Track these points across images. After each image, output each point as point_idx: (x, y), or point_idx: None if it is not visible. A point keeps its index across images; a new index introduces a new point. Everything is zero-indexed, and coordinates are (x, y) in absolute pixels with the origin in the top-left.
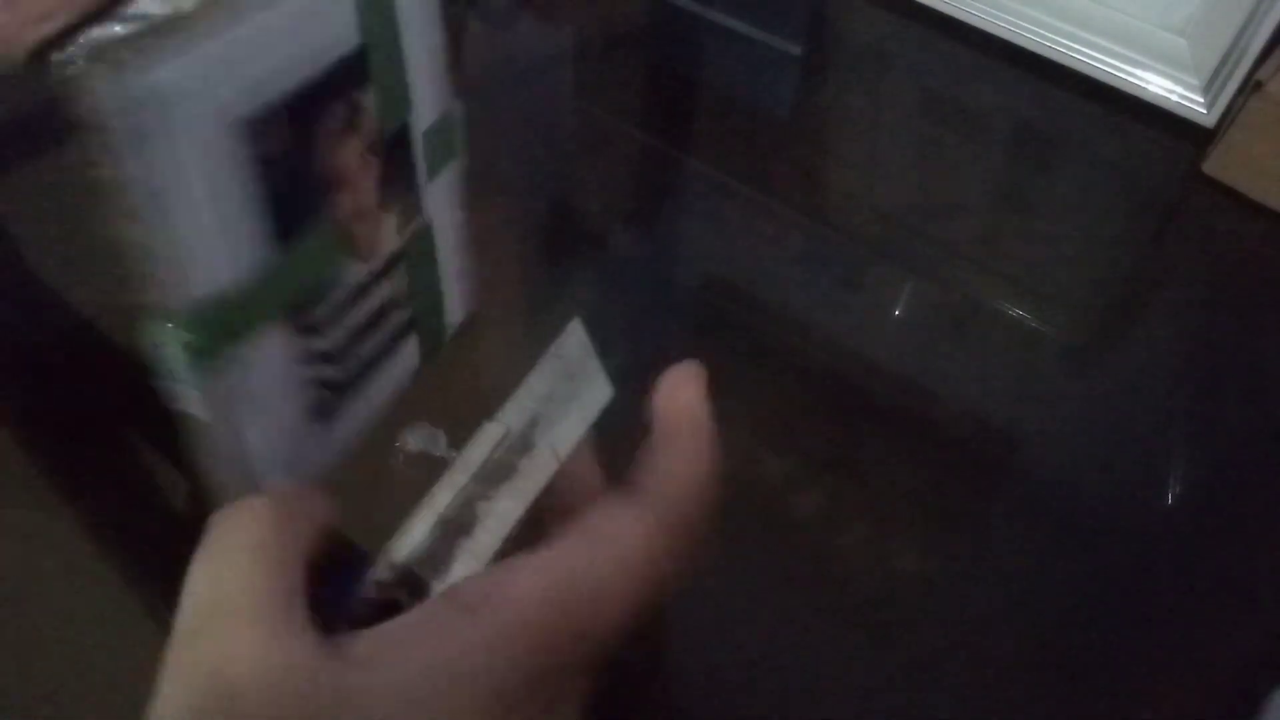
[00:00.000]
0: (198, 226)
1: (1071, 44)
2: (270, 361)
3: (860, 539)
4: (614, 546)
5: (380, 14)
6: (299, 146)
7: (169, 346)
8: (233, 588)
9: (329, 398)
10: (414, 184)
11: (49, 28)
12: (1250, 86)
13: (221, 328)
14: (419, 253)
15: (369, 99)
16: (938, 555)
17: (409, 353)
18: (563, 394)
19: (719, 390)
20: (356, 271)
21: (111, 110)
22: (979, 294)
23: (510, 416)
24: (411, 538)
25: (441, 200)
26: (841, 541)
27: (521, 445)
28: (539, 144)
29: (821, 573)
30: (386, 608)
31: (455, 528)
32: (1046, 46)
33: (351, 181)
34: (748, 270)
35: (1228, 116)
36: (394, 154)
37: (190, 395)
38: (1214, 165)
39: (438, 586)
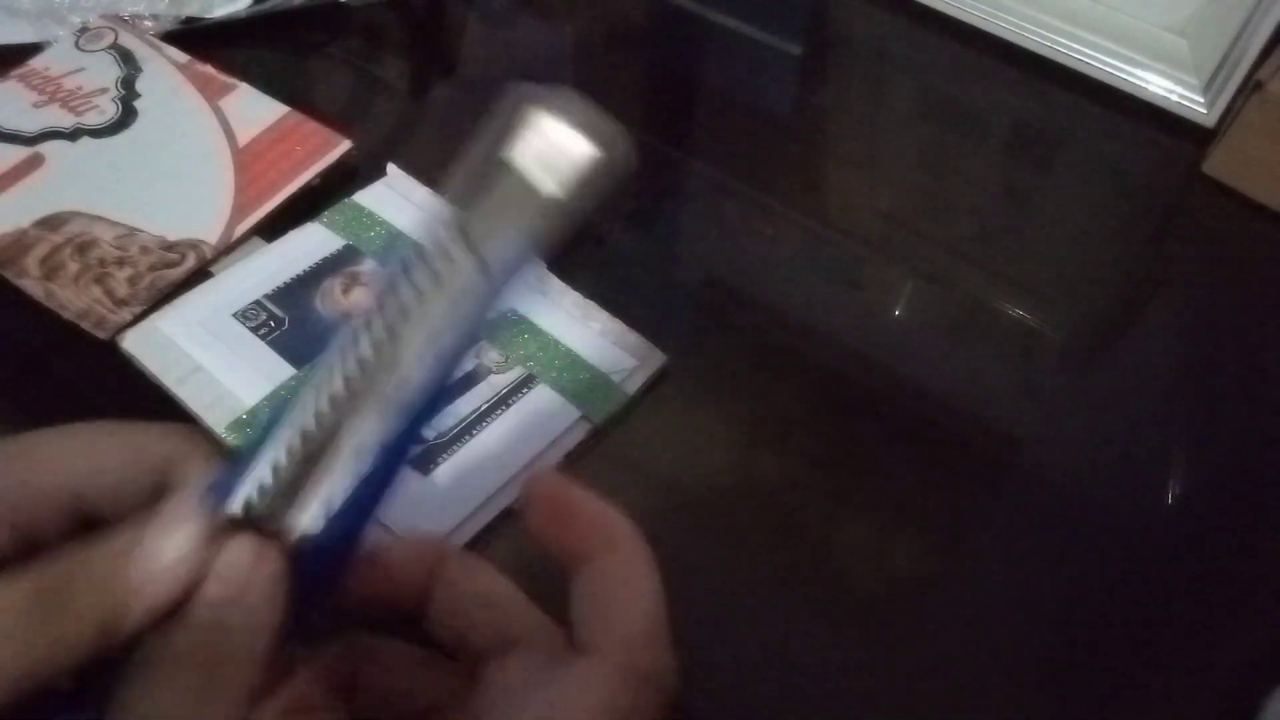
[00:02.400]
0: (233, 367)
1: (1071, 44)
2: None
3: (860, 539)
4: None
5: (361, 224)
6: (298, 309)
7: (243, 447)
8: None
9: (425, 452)
10: None
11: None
12: (1250, 86)
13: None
14: (507, 329)
15: (367, 264)
16: (938, 555)
17: (541, 398)
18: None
19: (719, 390)
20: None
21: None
22: (979, 294)
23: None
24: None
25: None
26: (841, 541)
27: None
28: None
29: (821, 573)
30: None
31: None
32: (1046, 46)
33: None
34: (748, 270)
35: (1228, 116)
36: None
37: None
38: (1214, 165)
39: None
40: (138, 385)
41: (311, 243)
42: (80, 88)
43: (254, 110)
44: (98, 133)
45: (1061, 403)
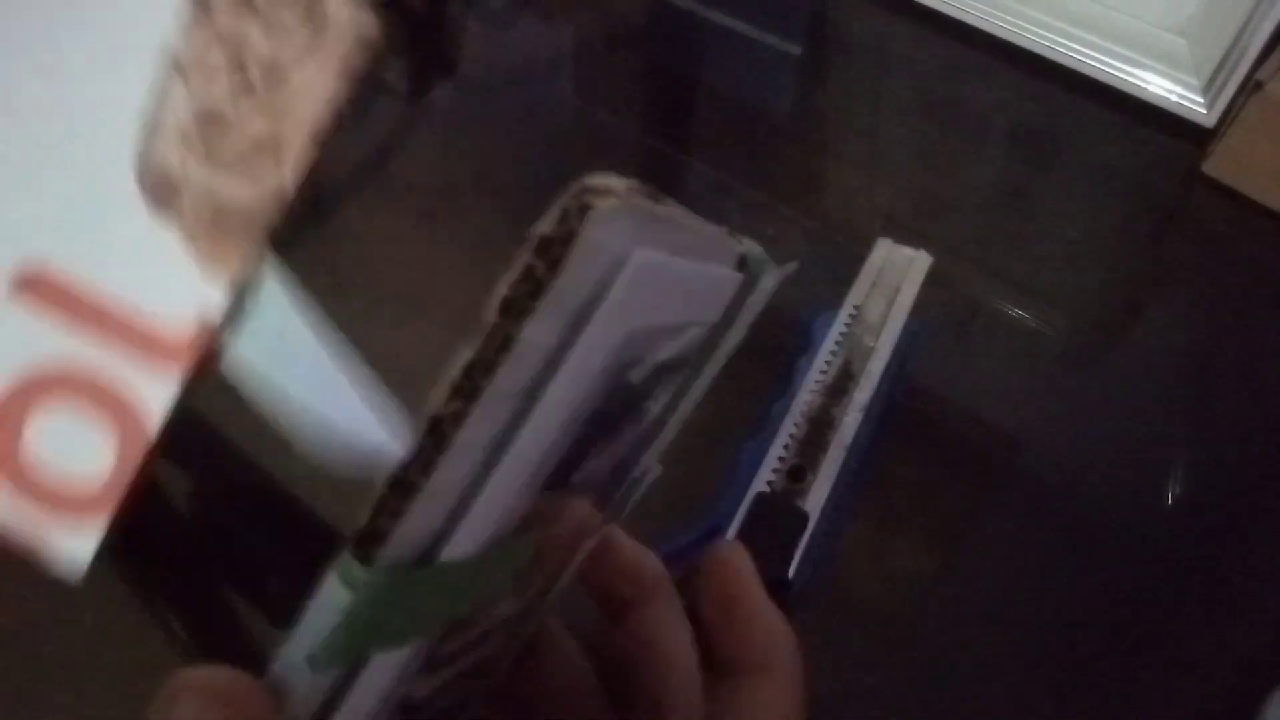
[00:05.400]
0: (525, 453)
1: (1071, 44)
2: (380, 690)
3: (860, 539)
4: None
5: (726, 331)
6: (608, 422)
7: (337, 597)
8: None
9: None
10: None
11: None
12: (1250, 86)
13: (414, 609)
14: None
15: (652, 410)
16: (938, 555)
17: None
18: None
19: (717, 391)
20: (502, 608)
21: (598, 252)
22: (979, 294)
23: None
24: None
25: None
26: (842, 542)
27: None
28: (539, 144)
29: (822, 573)
30: None
31: None
32: (1046, 46)
33: (588, 494)
34: None
35: (1228, 116)
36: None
37: (304, 675)
38: (1214, 165)
39: None
40: None
41: None
42: None
43: None
44: None
45: (1061, 403)
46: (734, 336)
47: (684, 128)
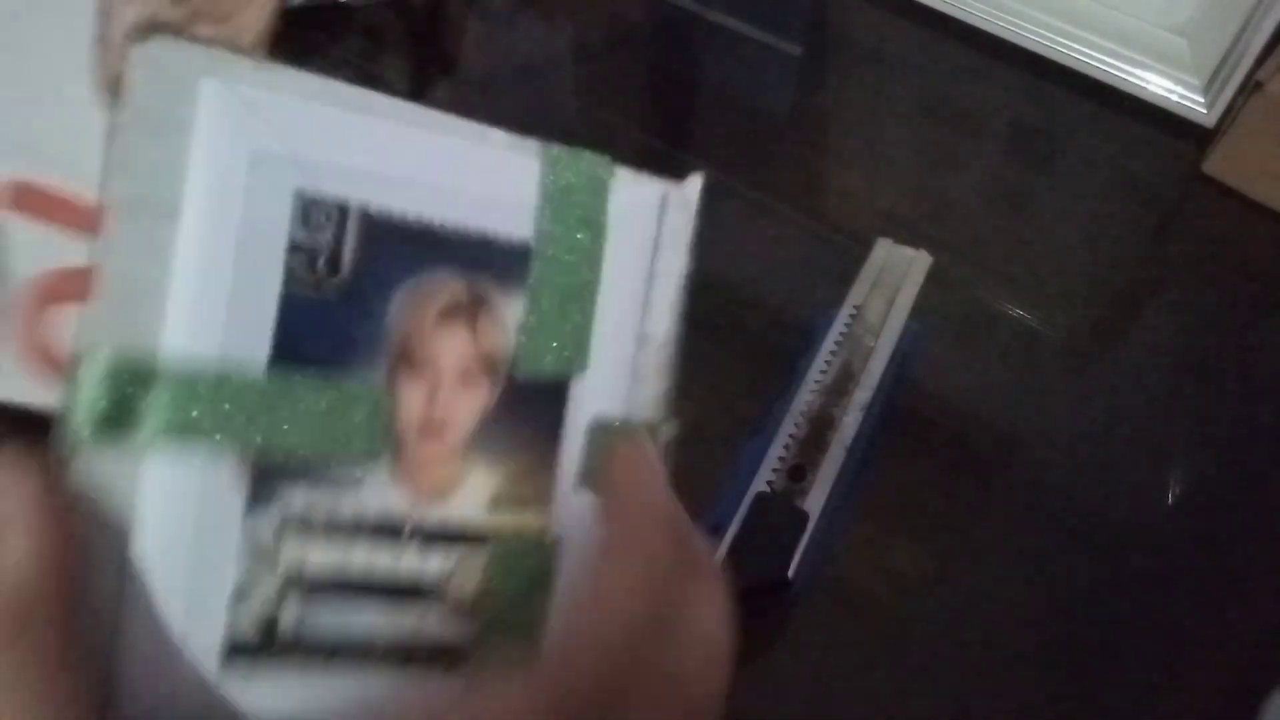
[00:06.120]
0: (203, 263)
1: (1071, 44)
2: (197, 506)
3: (860, 539)
4: None
5: (571, 229)
6: (370, 286)
7: (85, 390)
8: None
9: (254, 639)
10: (548, 472)
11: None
12: (1250, 86)
13: (162, 404)
14: (523, 568)
15: (506, 309)
16: (938, 555)
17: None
18: None
19: (718, 391)
20: (391, 499)
21: (153, 74)
22: (979, 294)
23: None
24: None
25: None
26: (842, 541)
27: None
28: None
29: (821, 572)
30: None
31: None
32: (1046, 46)
33: (432, 381)
34: (748, 270)
35: (1228, 116)
36: (529, 410)
37: (82, 458)
38: (1214, 165)
39: None
40: None
41: None
42: None
43: None
44: None
45: (1061, 403)
46: (634, 249)
47: (684, 128)
